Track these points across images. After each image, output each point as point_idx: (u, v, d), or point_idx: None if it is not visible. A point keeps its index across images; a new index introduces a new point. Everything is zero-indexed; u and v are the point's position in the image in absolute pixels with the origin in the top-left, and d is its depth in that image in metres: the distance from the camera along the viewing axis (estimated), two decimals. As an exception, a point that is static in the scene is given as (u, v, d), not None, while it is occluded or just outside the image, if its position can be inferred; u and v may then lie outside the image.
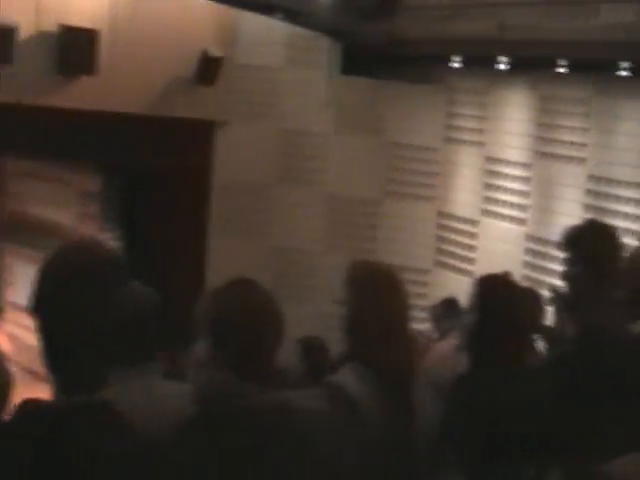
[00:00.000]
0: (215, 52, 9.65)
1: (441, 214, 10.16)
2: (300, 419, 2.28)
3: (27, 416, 1.66)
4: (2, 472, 1.61)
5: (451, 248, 10.02)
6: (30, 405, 1.67)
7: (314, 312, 9.10)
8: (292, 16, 9.90)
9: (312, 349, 4.78)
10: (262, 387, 2.16)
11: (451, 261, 9.99)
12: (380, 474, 2.49)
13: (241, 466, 2.04)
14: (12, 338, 16.53)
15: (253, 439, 2.09)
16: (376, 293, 2.71)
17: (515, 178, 9.09)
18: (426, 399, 2.81)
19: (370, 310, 2.68)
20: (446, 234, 10.11)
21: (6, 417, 1.74)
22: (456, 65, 9.17)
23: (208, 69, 9.66)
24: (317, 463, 2.22)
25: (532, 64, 8.60)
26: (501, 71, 8.68)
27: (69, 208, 15.81)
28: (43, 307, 1.69)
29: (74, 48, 8.93)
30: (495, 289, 3.00)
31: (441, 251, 10.16)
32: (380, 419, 2.52)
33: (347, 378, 2.61)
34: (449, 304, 6.72)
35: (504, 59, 8.49)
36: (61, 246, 1.81)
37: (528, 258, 8.80)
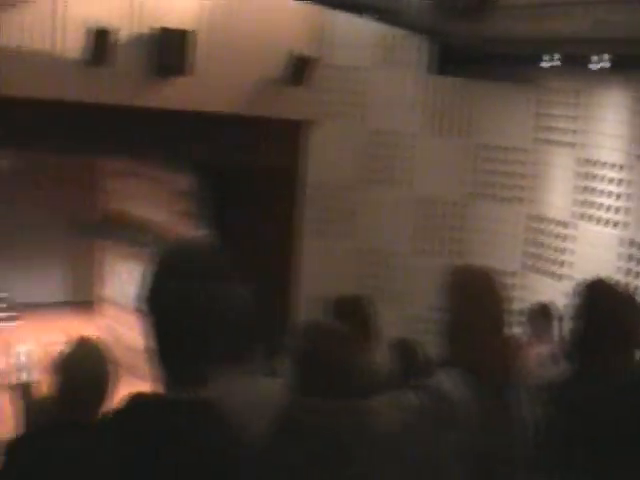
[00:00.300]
0: (305, 52, 9.70)
1: (530, 216, 9.99)
2: (383, 421, 2.31)
3: (134, 409, 1.70)
4: (106, 462, 1.66)
5: (540, 251, 9.85)
6: (137, 399, 1.71)
7: (402, 314, 9.08)
8: (382, 15, 9.88)
9: (404, 351, 4.77)
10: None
11: (540, 264, 9.83)
12: (478, 478, 2.48)
13: (326, 468, 2.08)
14: (106, 332, 16.96)
15: (336, 442, 2.13)
16: (477, 298, 2.68)
17: (610, 180, 8.87)
18: (523, 404, 2.78)
19: (471, 315, 2.66)
20: (535, 237, 9.94)
21: (114, 409, 1.79)
22: (547, 64, 9.01)
23: (298, 69, 9.72)
24: (402, 464, 2.24)
25: (628, 63, 8.37)
26: (595, 70, 8.48)
27: (162, 206, 16.13)
28: (151, 304, 1.73)
29: (169, 49, 9.09)
30: (603, 295, 2.92)
31: (529, 254, 10.00)
32: (479, 423, 2.51)
33: (446, 382, 2.60)
34: (542, 308, 6.62)
35: (598, 58, 8.30)
36: (170, 244, 1.85)
37: (622, 263, 8.58)
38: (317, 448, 2.15)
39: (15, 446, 2.75)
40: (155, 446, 1.64)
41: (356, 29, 10.14)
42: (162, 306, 1.71)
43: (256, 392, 2.59)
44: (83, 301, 19.77)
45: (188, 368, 1.71)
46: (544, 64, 9.04)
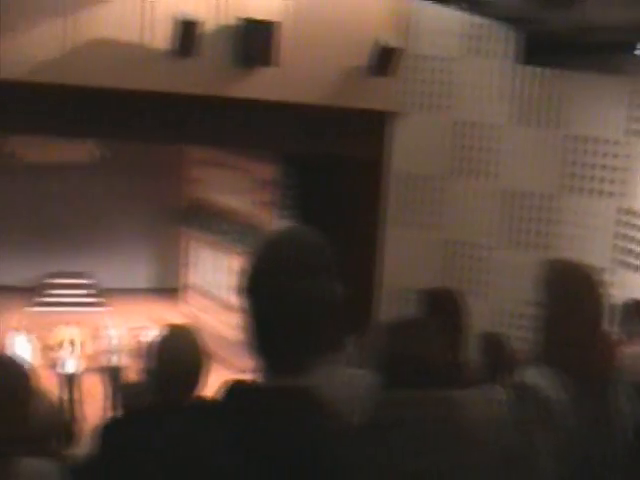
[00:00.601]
0: (390, 43, 9.63)
1: (620, 210, 9.72)
2: (468, 415, 2.30)
3: (234, 396, 1.71)
4: (203, 448, 1.67)
5: (631, 245, 9.58)
6: (237, 385, 1.72)
7: (488, 308, 8.96)
8: (469, 4, 9.74)
9: (491, 345, 4.69)
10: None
11: (631, 259, 9.56)
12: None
13: (411, 460, 2.08)
14: (191, 319, 17.25)
15: (422, 433, 2.14)
16: (575, 294, 2.61)
17: None
18: (621, 403, 2.69)
19: (568, 312, 2.59)
20: (625, 231, 9.67)
21: (213, 394, 1.80)
22: (642, 53, 8.75)
23: (383, 60, 9.66)
24: (485, 459, 2.23)
25: None
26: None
27: (246, 195, 16.33)
28: (254, 291, 1.73)
29: (255, 40, 9.15)
30: None
31: (620, 249, 9.73)
32: (575, 423, 2.44)
33: (540, 380, 2.53)
34: (636, 305, 6.42)
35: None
36: (272, 233, 1.85)
37: None
38: (403, 440, 2.15)
39: (109, 430, 2.79)
40: (254, 433, 1.65)
41: (442, 19, 10.03)
42: (263, 295, 1.71)
43: (344, 382, 2.59)
44: (168, 288, 20.16)
45: (287, 357, 1.71)
46: (638, 52, 8.76)
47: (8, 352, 12.52)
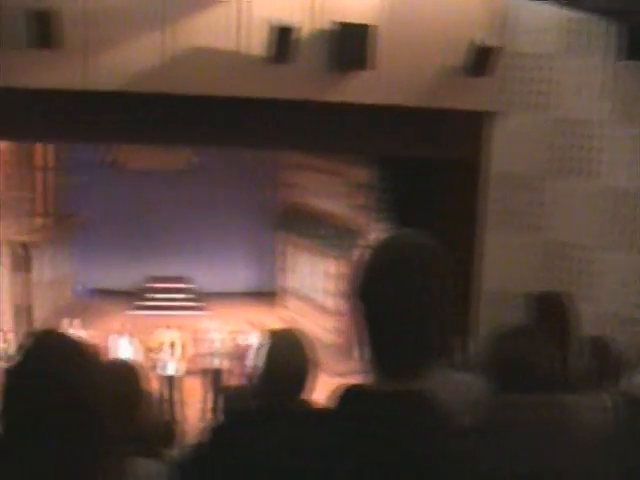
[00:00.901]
0: (487, 41, 9.48)
1: None
2: (577, 419, 2.28)
3: (350, 400, 1.70)
4: (320, 454, 1.65)
5: None
6: (353, 390, 1.71)
7: (593, 311, 8.70)
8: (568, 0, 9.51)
9: (598, 350, 4.54)
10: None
11: None
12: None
13: (523, 462, 2.06)
14: (286, 322, 17.41)
15: (533, 435, 2.11)
16: None
17: None
18: None
19: None
20: None
21: (327, 399, 1.79)
22: None
23: (480, 59, 9.51)
24: (592, 463, 2.19)
25: None
26: None
27: (342, 199, 16.40)
28: (368, 294, 1.72)
29: (350, 44, 9.14)
30: None
31: None
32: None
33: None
34: None
35: None
36: (385, 235, 1.83)
37: None
38: (517, 442, 2.13)
39: (217, 432, 2.80)
40: (370, 438, 1.64)
41: (541, 15, 9.82)
42: (377, 298, 1.70)
43: (457, 386, 2.58)
44: (266, 292, 20.43)
45: (402, 361, 1.70)
46: None
47: (111, 354, 12.87)
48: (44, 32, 8.50)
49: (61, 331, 2.05)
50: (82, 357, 1.94)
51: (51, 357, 1.88)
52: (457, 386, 2.62)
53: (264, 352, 2.90)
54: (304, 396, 2.85)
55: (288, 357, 2.85)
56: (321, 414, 1.81)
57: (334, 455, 1.65)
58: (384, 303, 1.69)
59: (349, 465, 1.62)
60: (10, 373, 1.86)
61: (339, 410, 1.70)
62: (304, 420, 1.88)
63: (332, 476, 1.64)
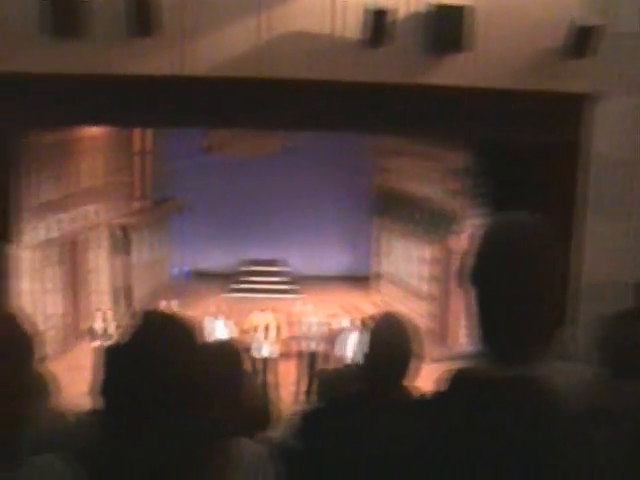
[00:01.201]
0: (588, 21, 9.19)
1: None
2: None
3: (461, 384, 1.67)
4: (429, 438, 1.63)
5: None
6: (463, 374, 1.68)
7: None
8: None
9: None
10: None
11: None
12: None
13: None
14: (381, 307, 17.40)
15: None
16: None
17: None
18: None
19: None
20: None
21: (436, 385, 1.76)
22: None
23: (581, 40, 9.22)
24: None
25: None
26: None
27: (437, 184, 16.26)
28: (482, 279, 1.69)
29: (447, 26, 9.00)
30: None
31: None
32: None
33: None
34: None
35: None
36: (500, 219, 1.79)
37: None
38: (627, 429, 2.09)
39: (318, 416, 2.78)
40: (483, 423, 1.61)
41: (645, -7, 9.46)
42: (489, 282, 1.67)
43: (568, 373, 2.53)
44: (360, 276, 20.46)
45: (515, 346, 1.66)
46: None
47: (207, 336, 13.10)
48: (144, 20, 8.66)
49: (168, 311, 2.08)
50: (189, 337, 1.96)
51: (159, 336, 1.91)
52: (568, 373, 2.56)
53: (367, 336, 2.87)
54: (407, 382, 2.81)
55: (392, 341, 2.80)
56: (429, 399, 1.79)
57: (445, 442, 1.62)
58: (496, 287, 1.66)
59: (460, 452, 1.60)
60: (115, 352, 1.89)
61: (449, 395, 1.68)
62: (411, 406, 1.86)
63: (441, 464, 1.62)
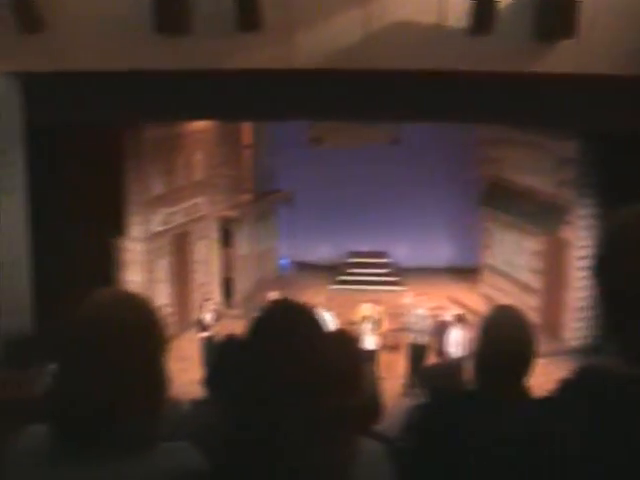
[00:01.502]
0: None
1: None
2: None
3: (591, 384, 1.62)
4: (562, 437, 1.58)
5: None
6: (592, 373, 1.63)
7: None
8: None
9: None
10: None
11: None
12: None
13: None
14: (487, 300, 17.14)
15: None
16: None
17: None
18: None
19: None
20: None
21: (561, 382, 1.71)
22: None
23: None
24: None
25: None
26: None
27: (546, 174, 15.86)
28: (609, 272, 1.63)
29: (553, 13, 8.79)
30: None
31: None
32: None
33: None
34: None
35: None
36: (626, 209, 1.71)
37: None
38: None
39: (432, 412, 2.64)
40: (614, 425, 1.55)
41: None
42: (620, 276, 1.60)
43: None
44: (467, 268, 20.16)
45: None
46: None
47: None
48: (250, 14, 8.77)
49: (297, 302, 2.08)
50: (317, 326, 1.97)
51: (290, 325, 1.93)
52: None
53: (483, 330, 2.73)
54: (525, 381, 2.66)
55: (510, 336, 2.63)
56: (555, 397, 1.72)
57: (575, 443, 1.57)
58: (626, 282, 1.59)
59: (592, 455, 1.55)
60: (236, 342, 1.91)
61: (578, 394, 1.62)
62: (537, 404, 1.80)
63: (573, 466, 1.57)
